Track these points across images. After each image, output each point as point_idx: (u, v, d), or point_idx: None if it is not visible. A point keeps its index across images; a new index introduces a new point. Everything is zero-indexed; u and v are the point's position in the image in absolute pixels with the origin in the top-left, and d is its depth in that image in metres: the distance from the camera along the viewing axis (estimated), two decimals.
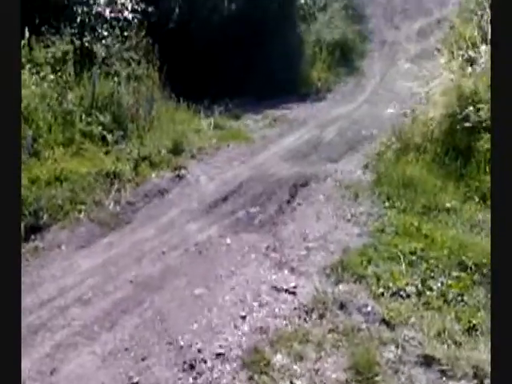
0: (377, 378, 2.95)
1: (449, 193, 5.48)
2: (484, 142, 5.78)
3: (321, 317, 3.50)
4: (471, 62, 7.05)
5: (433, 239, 4.52)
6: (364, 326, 3.42)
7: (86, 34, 7.84)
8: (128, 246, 4.58)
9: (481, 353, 3.12)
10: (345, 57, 13.20)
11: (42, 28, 7.15)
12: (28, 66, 6.43)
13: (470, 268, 4.06)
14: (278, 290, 3.86)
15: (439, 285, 3.86)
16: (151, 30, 8.72)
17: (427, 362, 3.10)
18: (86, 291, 3.85)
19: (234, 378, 2.98)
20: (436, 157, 6.12)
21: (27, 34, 6.61)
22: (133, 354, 3.18)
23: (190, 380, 2.98)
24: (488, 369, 2.95)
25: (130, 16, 8.43)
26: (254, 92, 10.09)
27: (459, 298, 3.71)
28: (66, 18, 7.70)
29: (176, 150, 6.83)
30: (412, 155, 6.22)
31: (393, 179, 5.76)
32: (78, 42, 7.54)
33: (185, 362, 3.09)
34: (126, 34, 8.41)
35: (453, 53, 7.58)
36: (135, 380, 2.98)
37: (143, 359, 3.14)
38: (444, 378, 2.99)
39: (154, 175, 6.11)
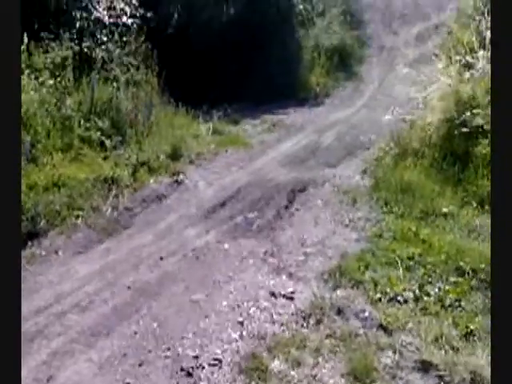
0: None
1: (446, 198, 5.50)
2: (482, 147, 5.81)
3: (318, 322, 3.50)
4: (469, 67, 7.07)
5: (430, 244, 4.53)
6: (361, 331, 3.42)
7: (85, 39, 7.84)
8: (125, 252, 4.58)
9: (478, 358, 3.12)
10: (343, 62, 13.21)
11: (41, 33, 7.13)
12: (27, 72, 6.40)
13: (468, 273, 4.07)
14: (275, 295, 3.86)
15: (437, 290, 3.87)
16: (150, 35, 8.72)
17: (425, 367, 3.11)
18: (83, 297, 3.84)
19: None
20: (434, 162, 6.14)
21: (26, 40, 6.59)
22: (130, 360, 3.17)
23: None
24: (486, 374, 2.95)
25: (129, 21, 8.44)
26: (253, 97, 10.08)
27: (457, 304, 3.72)
28: (65, 23, 7.71)
29: (174, 156, 6.83)
30: (410, 160, 6.23)
31: (391, 184, 5.77)
32: (76, 48, 7.52)
33: (182, 369, 3.08)
34: (124, 39, 8.40)
35: (451, 58, 7.59)
36: None
37: (140, 366, 3.13)
38: None
39: (152, 180, 6.10)
